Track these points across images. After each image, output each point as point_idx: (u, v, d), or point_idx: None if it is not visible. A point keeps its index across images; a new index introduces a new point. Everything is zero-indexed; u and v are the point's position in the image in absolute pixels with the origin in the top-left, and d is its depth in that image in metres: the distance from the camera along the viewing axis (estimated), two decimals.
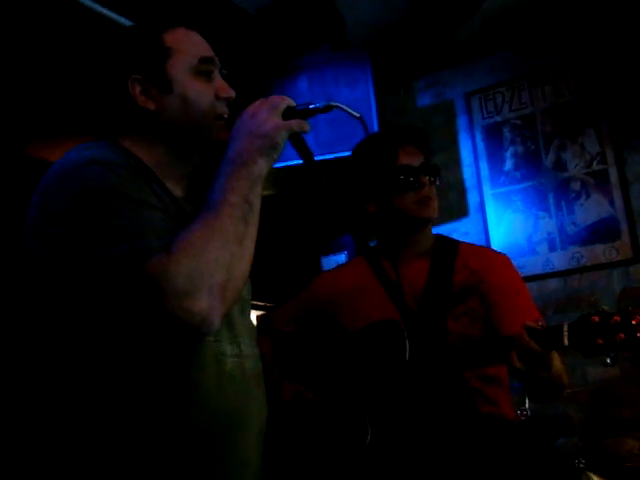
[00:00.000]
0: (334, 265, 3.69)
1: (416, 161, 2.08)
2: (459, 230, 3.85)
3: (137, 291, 1.23)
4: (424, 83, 4.20)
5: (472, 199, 3.92)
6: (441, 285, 2.03)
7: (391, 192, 2.09)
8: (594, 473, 2.37)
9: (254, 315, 1.79)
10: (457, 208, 3.91)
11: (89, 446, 1.29)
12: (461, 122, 4.05)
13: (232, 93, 1.49)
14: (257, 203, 1.35)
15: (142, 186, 1.36)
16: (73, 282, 1.30)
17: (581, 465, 2.45)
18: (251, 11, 3.46)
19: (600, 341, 1.55)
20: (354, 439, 1.83)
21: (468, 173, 3.96)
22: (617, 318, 1.55)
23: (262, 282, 1.82)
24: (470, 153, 3.97)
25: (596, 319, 1.57)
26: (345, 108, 1.46)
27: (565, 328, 1.62)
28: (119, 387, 1.31)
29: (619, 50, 3.56)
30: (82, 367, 1.33)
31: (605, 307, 1.60)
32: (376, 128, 3.60)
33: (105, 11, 3.20)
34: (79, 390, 1.32)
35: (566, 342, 1.61)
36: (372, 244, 2.24)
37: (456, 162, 3.99)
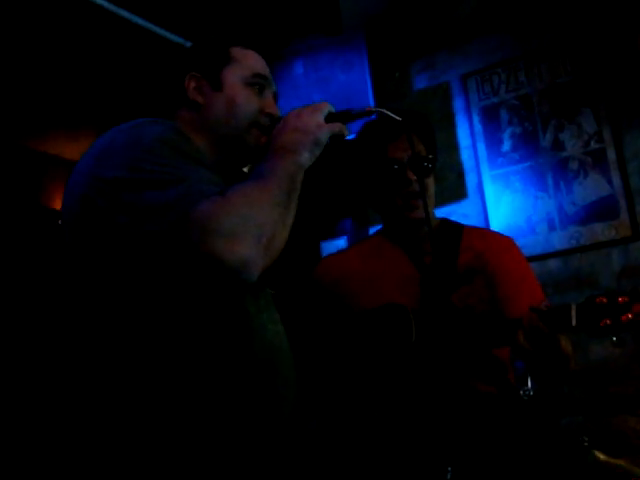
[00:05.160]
0: (334, 250, 3.68)
1: (405, 154, 2.03)
2: (458, 212, 3.85)
3: (186, 232, 1.24)
4: (420, 66, 4.18)
5: (470, 181, 3.91)
6: (445, 267, 2.03)
7: (380, 186, 2.08)
8: (599, 451, 2.38)
9: None
10: (456, 190, 3.90)
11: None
12: (458, 104, 4.03)
13: (276, 111, 1.61)
14: (299, 187, 1.40)
15: (197, 152, 1.45)
16: (120, 236, 1.33)
17: (585, 443, 2.46)
18: None
19: (608, 321, 1.56)
20: (363, 419, 1.84)
21: (466, 155, 3.95)
22: (625, 298, 1.55)
23: None
24: (467, 135, 3.96)
25: (604, 300, 1.57)
26: (386, 112, 1.53)
27: (573, 309, 1.62)
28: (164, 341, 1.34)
29: (615, 29, 3.54)
30: (135, 327, 1.35)
31: (613, 289, 1.60)
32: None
33: (106, 4, 3.20)
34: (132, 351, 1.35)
35: (574, 322, 1.61)
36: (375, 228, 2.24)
37: (454, 144, 3.97)
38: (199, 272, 1.30)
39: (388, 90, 4.16)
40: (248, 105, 1.57)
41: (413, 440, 1.80)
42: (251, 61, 1.64)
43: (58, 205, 4.48)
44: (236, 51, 1.63)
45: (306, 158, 1.42)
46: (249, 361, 1.40)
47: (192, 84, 1.59)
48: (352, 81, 3.68)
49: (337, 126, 1.47)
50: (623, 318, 1.54)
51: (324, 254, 3.95)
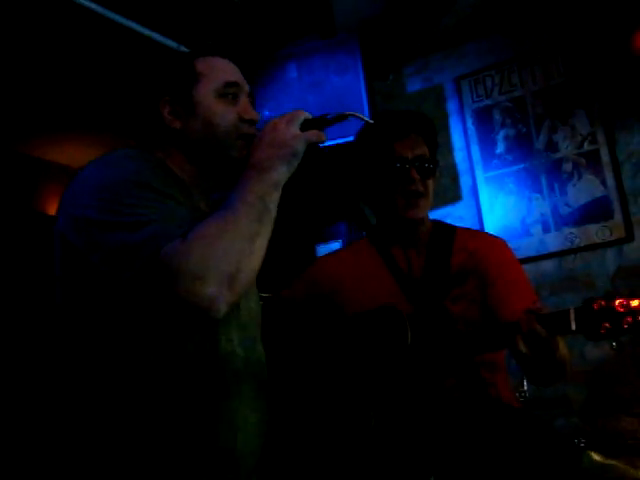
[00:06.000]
0: None
1: (410, 153, 2.07)
2: (453, 214, 3.85)
3: (154, 273, 1.29)
4: (413, 68, 4.19)
5: (465, 183, 3.92)
6: (438, 268, 2.04)
7: (383, 183, 2.09)
8: (594, 452, 2.39)
9: None
10: (450, 192, 3.91)
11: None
12: (451, 106, 4.04)
13: (255, 115, 1.60)
14: (273, 206, 1.42)
15: (168, 182, 1.47)
16: (94, 272, 1.38)
17: (581, 445, 2.46)
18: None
19: (608, 325, 1.56)
20: (359, 423, 1.84)
21: (460, 157, 3.95)
22: (623, 301, 1.55)
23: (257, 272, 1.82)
24: (461, 137, 3.96)
25: (602, 303, 1.57)
26: (359, 115, 1.54)
27: (572, 313, 1.62)
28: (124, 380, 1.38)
29: (608, 30, 3.55)
30: (98, 358, 1.41)
31: (611, 290, 1.60)
32: (367, 115, 3.59)
33: (100, 9, 3.20)
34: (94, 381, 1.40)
35: (574, 327, 1.61)
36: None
37: (448, 147, 3.97)
38: (168, 309, 1.34)
39: (382, 92, 4.16)
40: (225, 120, 1.57)
41: (406, 445, 1.81)
42: (218, 71, 1.61)
43: (52, 210, 4.47)
44: (201, 64, 1.61)
45: (283, 172, 1.44)
46: (197, 378, 1.43)
47: (166, 110, 1.58)
48: (346, 84, 3.67)
49: (313, 134, 1.47)
50: (623, 322, 1.54)
51: None
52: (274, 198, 1.42)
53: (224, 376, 1.46)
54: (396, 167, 2.05)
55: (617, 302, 1.56)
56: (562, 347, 1.73)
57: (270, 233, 1.41)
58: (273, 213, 1.42)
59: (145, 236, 1.31)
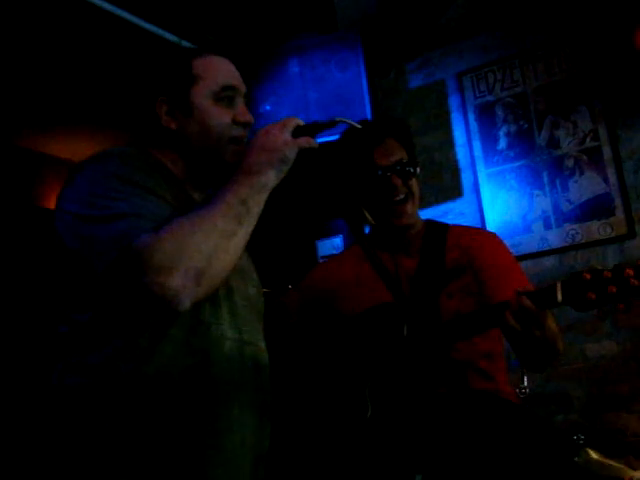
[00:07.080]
0: (329, 249, 3.68)
1: (388, 160, 2.08)
2: (454, 210, 3.84)
3: (124, 264, 1.32)
4: (415, 64, 4.18)
5: (466, 179, 3.91)
6: (433, 265, 2.07)
7: (368, 195, 2.11)
8: (593, 449, 2.39)
9: None
10: (452, 188, 3.90)
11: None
12: (453, 102, 4.03)
13: (249, 119, 1.62)
14: (256, 209, 1.44)
15: (154, 177, 1.49)
16: (77, 263, 1.41)
17: (580, 441, 2.47)
18: None
19: (592, 295, 1.59)
20: (356, 414, 1.85)
21: (462, 153, 3.95)
22: (608, 274, 1.58)
23: (258, 267, 1.83)
24: (463, 133, 3.96)
25: (588, 276, 1.60)
26: (348, 121, 1.57)
27: (558, 285, 1.65)
28: (114, 360, 1.40)
29: (610, 26, 3.54)
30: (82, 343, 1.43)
31: (597, 265, 1.63)
32: (368, 111, 3.59)
33: (100, 2, 3.20)
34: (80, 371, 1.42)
35: (559, 298, 1.64)
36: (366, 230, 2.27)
37: (449, 142, 3.97)
38: (138, 300, 1.35)
39: (384, 88, 4.16)
40: (220, 123, 1.58)
41: (400, 437, 1.82)
42: (215, 74, 1.62)
43: (52, 204, 4.47)
44: (199, 65, 1.62)
45: (271, 177, 1.46)
46: (201, 371, 1.45)
47: (163, 110, 1.59)
48: (348, 79, 3.67)
49: (304, 140, 1.49)
50: (608, 291, 1.56)
51: (320, 253, 3.95)
52: (258, 201, 1.44)
53: (214, 359, 1.47)
54: (377, 176, 2.07)
55: (603, 274, 1.59)
56: (551, 323, 1.76)
57: (249, 235, 1.43)
58: (254, 215, 1.44)
59: (119, 229, 1.33)
